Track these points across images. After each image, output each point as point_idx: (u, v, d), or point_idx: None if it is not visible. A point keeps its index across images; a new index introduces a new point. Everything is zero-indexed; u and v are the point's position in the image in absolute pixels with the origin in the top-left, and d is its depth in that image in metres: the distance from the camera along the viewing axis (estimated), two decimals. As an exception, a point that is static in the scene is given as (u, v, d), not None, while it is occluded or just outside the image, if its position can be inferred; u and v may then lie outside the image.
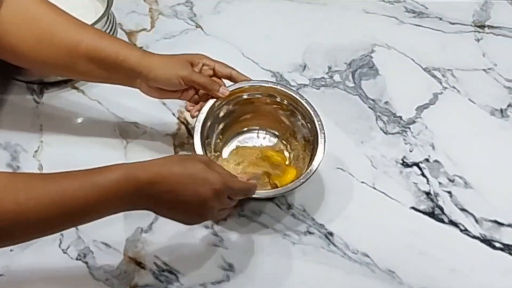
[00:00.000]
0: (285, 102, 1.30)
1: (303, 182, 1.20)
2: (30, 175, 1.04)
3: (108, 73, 1.24)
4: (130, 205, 1.02)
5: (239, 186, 1.12)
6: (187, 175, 1.04)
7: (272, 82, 1.35)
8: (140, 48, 1.54)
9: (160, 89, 1.25)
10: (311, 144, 1.26)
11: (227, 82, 1.29)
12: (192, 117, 1.27)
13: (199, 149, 1.22)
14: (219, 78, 1.28)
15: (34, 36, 1.19)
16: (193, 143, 1.22)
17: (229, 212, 1.18)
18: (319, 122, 1.24)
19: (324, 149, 1.22)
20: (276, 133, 1.35)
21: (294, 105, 1.29)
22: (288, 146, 1.34)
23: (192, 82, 1.24)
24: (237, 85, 1.28)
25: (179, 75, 1.22)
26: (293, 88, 1.37)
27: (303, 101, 1.27)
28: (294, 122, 1.31)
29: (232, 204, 1.14)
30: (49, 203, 0.94)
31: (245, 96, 1.30)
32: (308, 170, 1.21)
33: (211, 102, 1.26)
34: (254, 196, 1.16)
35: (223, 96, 1.26)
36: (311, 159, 1.22)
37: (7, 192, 0.92)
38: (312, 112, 1.26)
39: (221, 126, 1.32)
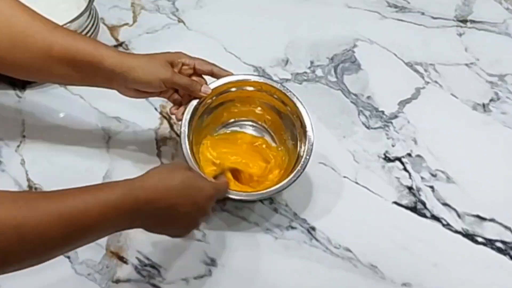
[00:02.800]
0: (272, 96, 1.28)
1: (293, 181, 1.19)
2: (32, 194, 1.04)
3: (85, 76, 1.20)
4: (127, 224, 1.01)
5: (223, 188, 1.15)
6: (183, 186, 1.05)
7: (256, 75, 1.34)
8: (119, 45, 1.54)
9: (138, 90, 1.21)
10: (298, 139, 1.25)
11: (209, 79, 1.27)
12: (178, 120, 1.24)
13: (188, 155, 1.19)
14: (200, 75, 1.26)
15: (8, 39, 1.15)
16: (181, 149, 1.19)
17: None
18: (308, 118, 1.23)
19: (313, 145, 1.21)
20: (265, 127, 1.34)
21: (280, 99, 1.27)
22: (276, 139, 1.33)
23: (174, 84, 1.21)
24: (220, 82, 1.26)
25: (161, 78, 1.19)
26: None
27: (288, 94, 1.25)
28: (281, 116, 1.30)
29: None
30: (49, 222, 0.91)
31: (229, 91, 1.28)
32: (298, 169, 1.20)
33: (194, 102, 1.24)
34: (245, 198, 1.19)
35: (206, 95, 1.23)
36: (299, 156, 1.22)
37: (9, 212, 0.88)
38: (300, 108, 1.24)
39: (205, 124, 1.30)
